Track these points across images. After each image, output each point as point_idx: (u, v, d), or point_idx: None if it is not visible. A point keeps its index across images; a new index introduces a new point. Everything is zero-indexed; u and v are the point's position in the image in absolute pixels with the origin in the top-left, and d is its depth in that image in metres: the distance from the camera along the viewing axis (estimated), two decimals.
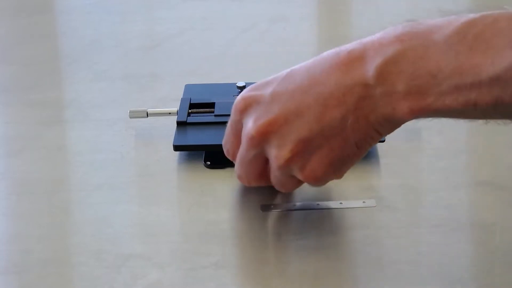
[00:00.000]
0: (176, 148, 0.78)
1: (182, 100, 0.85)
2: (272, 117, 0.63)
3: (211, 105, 0.84)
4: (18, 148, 0.83)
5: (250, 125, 0.64)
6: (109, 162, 0.79)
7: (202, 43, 1.08)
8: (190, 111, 0.83)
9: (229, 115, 0.82)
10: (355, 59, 0.61)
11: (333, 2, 1.25)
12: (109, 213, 0.72)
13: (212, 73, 0.98)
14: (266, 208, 0.71)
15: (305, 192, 0.73)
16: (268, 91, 0.64)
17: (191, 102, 0.84)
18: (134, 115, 0.83)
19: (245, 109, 0.66)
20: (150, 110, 0.83)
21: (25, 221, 0.72)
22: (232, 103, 0.85)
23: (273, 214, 0.71)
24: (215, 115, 0.82)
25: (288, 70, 0.65)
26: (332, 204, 0.71)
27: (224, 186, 0.75)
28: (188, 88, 0.89)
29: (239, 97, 0.66)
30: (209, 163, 0.78)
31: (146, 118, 0.83)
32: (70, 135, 0.87)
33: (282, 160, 0.63)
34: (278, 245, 0.67)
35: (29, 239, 0.69)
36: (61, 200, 0.75)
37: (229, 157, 0.70)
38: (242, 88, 0.87)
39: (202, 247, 0.67)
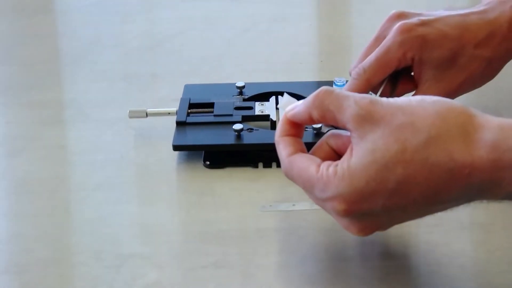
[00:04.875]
0: (176, 148, 0.78)
1: (182, 100, 0.85)
2: (381, 227, 0.60)
3: (211, 105, 0.84)
4: (19, 148, 0.83)
5: (353, 230, 0.59)
6: (109, 162, 0.79)
7: (202, 43, 1.08)
8: (189, 111, 0.83)
9: (228, 115, 0.82)
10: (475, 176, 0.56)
11: (333, 2, 1.25)
12: (109, 213, 0.72)
13: (211, 73, 0.98)
14: (265, 208, 0.71)
15: (304, 192, 0.73)
16: (377, 205, 0.57)
17: (191, 102, 0.84)
18: (133, 115, 0.83)
19: (347, 216, 0.58)
20: (149, 110, 0.83)
21: (25, 221, 0.72)
22: (232, 103, 0.85)
23: (273, 214, 0.71)
24: (215, 115, 0.82)
25: (394, 181, 0.56)
26: None
27: (223, 186, 0.75)
28: (188, 88, 0.89)
29: (341, 209, 0.57)
30: (208, 163, 0.78)
31: (145, 118, 0.83)
32: (70, 135, 0.87)
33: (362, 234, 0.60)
34: (277, 245, 0.67)
35: (29, 239, 0.69)
36: (61, 200, 0.75)
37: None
38: (241, 88, 0.87)
39: (201, 247, 0.67)
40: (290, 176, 0.61)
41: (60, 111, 0.91)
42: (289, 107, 0.62)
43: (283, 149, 0.61)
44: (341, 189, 0.56)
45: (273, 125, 0.80)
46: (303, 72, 0.98)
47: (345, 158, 0.57)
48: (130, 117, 0.83)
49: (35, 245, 0.68)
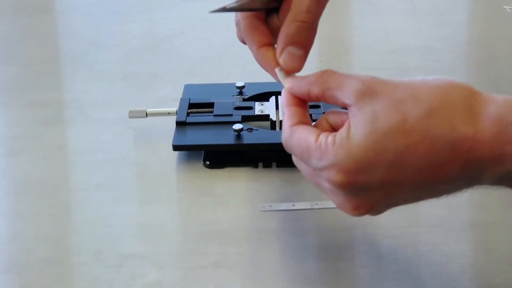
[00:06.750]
0: (175, 148, 0.78)
1: (181, 100, 0.85)
2: (376, 207, 0.57)
3: (210, 105, 0.84)
4: (18, 148, 0.83)
5: (347, 207, 0.57)
6: (109, 162, 0.79)
7: (202, 43, 1.08)
8: (189, 111, 0.83)
9: (228, 115, 0.82)
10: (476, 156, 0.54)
11: (333, 2, 1.25)
12: (109, 213, 0.72)
13: (211, 73, 0.98)
14: (265, 208, 0.71)
15: (304, 192, 0.73)
16: (375, 178, 0.55)
17: (190, 102, 0.84)
18: (133, 115, 0.83)
19: (344, 188, 0.57)
20: (149, 110, 0.83)
21: (25, 221, 0.72)
22: (232, 103, 0.85)
23: (272, 214, 0.71)
24: (214, 115, 0.82)
25: (393, 152, 0.54)
26: (331, 203, 0.71)
27: (223, 186, 0.75)
28: (188, 88, 0.89)
29: (337, 180, 0.56)
30: (208, 163, 0.78)
31: (145, 118, 0.83)
32: (70, 135, 0.87)
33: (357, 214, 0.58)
34: (277, 245, 0.67)
35: (29, 239, 0.69)
36: (61, 200, 0.75)
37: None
38: (241, 88, 0.87)
39: (201, 247, 0.67)
40: (289, 145, 0.60)
41: (60, 111, 0.91)
42: (290, 78, 0.63)
43: (287, 119, 0.61)
44: (339, 158, 0.55)
45: (273, 125, 0.81)
46: (303, 72, 0.97)
47: (344, 128, 0.56)
48: (130, 117, 0.83)
49: (35, 245, 0.68)
